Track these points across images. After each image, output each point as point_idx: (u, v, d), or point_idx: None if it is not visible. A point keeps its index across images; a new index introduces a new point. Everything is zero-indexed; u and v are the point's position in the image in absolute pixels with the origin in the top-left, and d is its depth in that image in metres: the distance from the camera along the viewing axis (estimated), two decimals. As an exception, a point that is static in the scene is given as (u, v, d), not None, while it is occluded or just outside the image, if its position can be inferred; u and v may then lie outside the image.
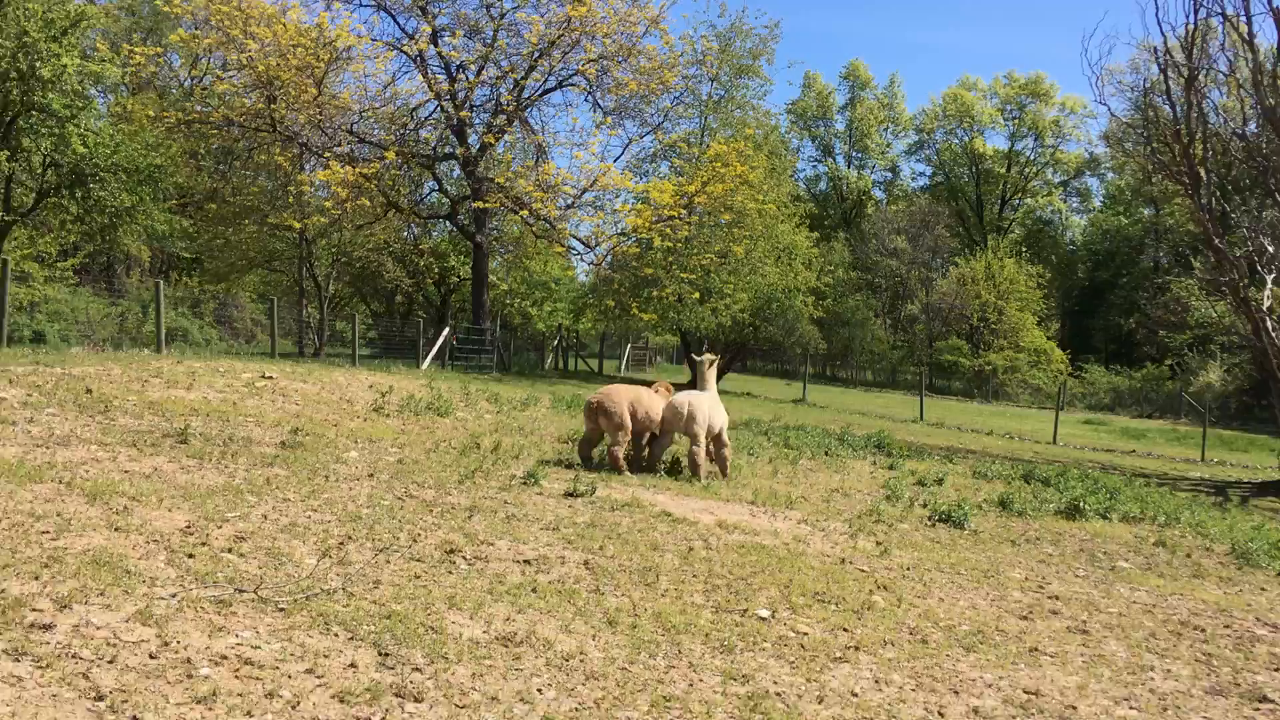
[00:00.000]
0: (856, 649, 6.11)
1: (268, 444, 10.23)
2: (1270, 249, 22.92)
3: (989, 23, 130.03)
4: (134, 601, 5.03)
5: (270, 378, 14.80)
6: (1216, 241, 22.34)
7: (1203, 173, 22.70)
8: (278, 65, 27.16)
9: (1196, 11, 22.31)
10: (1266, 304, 22.28)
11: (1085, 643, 6.92)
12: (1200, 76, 22.93)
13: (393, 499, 8.44)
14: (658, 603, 6.46)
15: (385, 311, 45.82)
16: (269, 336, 46.53)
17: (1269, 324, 21.75)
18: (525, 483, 10.04)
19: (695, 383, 12.99)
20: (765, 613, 6.57)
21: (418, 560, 6.64)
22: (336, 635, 5.02)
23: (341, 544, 6.73)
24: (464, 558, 6.89)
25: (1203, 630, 7.64)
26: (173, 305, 34.56)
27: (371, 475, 9.36)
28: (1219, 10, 22.39)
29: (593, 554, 7.51)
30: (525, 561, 7.02)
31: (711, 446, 12.54)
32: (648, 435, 12.54)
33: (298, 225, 29.95)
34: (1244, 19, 21.91)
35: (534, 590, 6.32)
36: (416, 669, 4.75)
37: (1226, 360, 48.33)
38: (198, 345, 30.57)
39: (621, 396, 12.02)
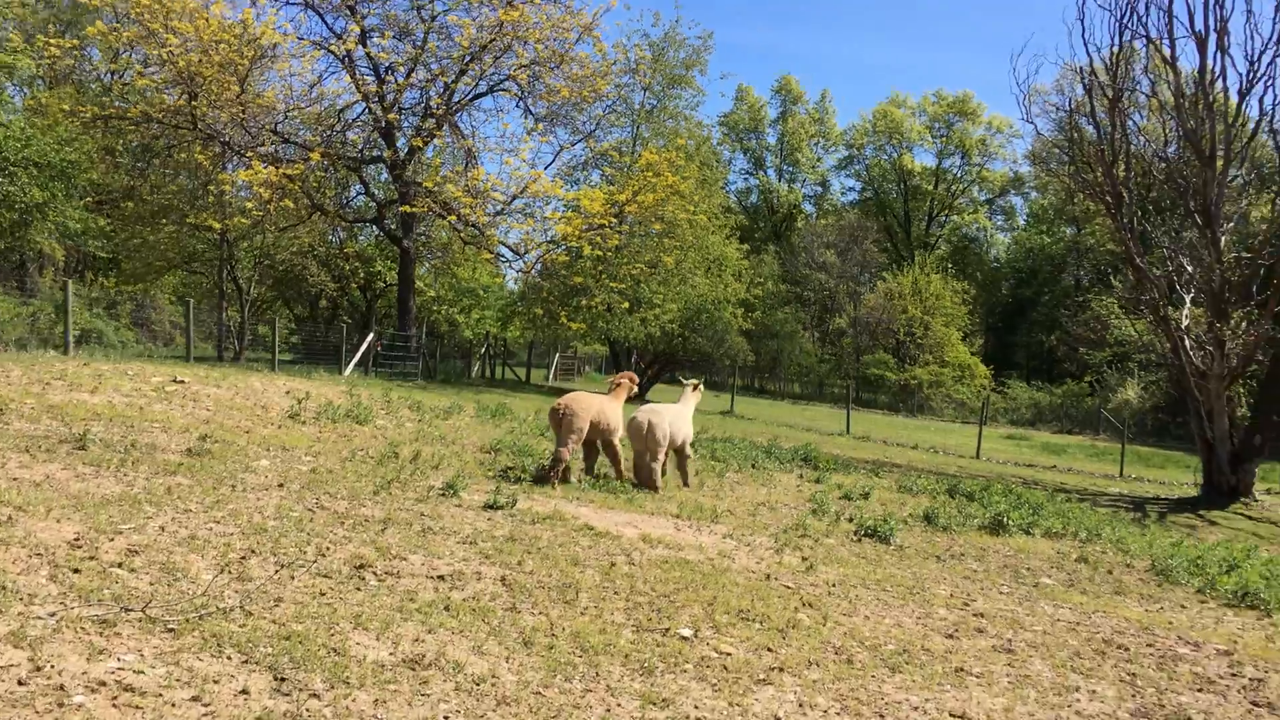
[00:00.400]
0: (781, 670, 5.91)
1: (173, 451, 9.77)
2: (1189, 269, 23.35)
3: (919, 41, 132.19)
4: (6, 621, 4.65)
5: (182, 382, 14.25)
6: (1137, 261, 22.70)
7: (1125, 193, 23.07)
8: (199, 61, 26.42)
9: (1122, 34, 22.70)
10: (1184, 323, 22.69)
11: (1011, 662, 6.81)
12: (1124, 98, 23.32)
13: (302, 510, 8.07)
14: (576, 621, 6.21)
15: (309, 316, 44.93)
16: (185, 338, 45.49)
17: (1186, 343, 22.15)
18: (444, 494, 9.72)
19: (637, 395, 13.31)
20: (688, 632, 6.36)
21: (324, 576, 6.31)
22: (229, 658, 4.68)
23: (243, 558, 6.37)
24: (374, 573, 6.57)
25: (1126, 649, 7.60)
26: (87, 306, 33.44)
27: (282, 485, 8.97)
28: (1143, 33, 22.82)
29: (511, 570, 7.23)
30: (439, 577, 6.73)
31: (676, 457, 13.18)
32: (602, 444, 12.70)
33: (218, 226, 29.15)
34: (1167, 42, 22.34)
35: (446, 608, 6.03)
36: (314, 695, 4.44)
37: (1143, 378, 49.37)
38: (113, 348, 29.59)
39: (586, 405, 12.08)
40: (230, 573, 5.99)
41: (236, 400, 14.01)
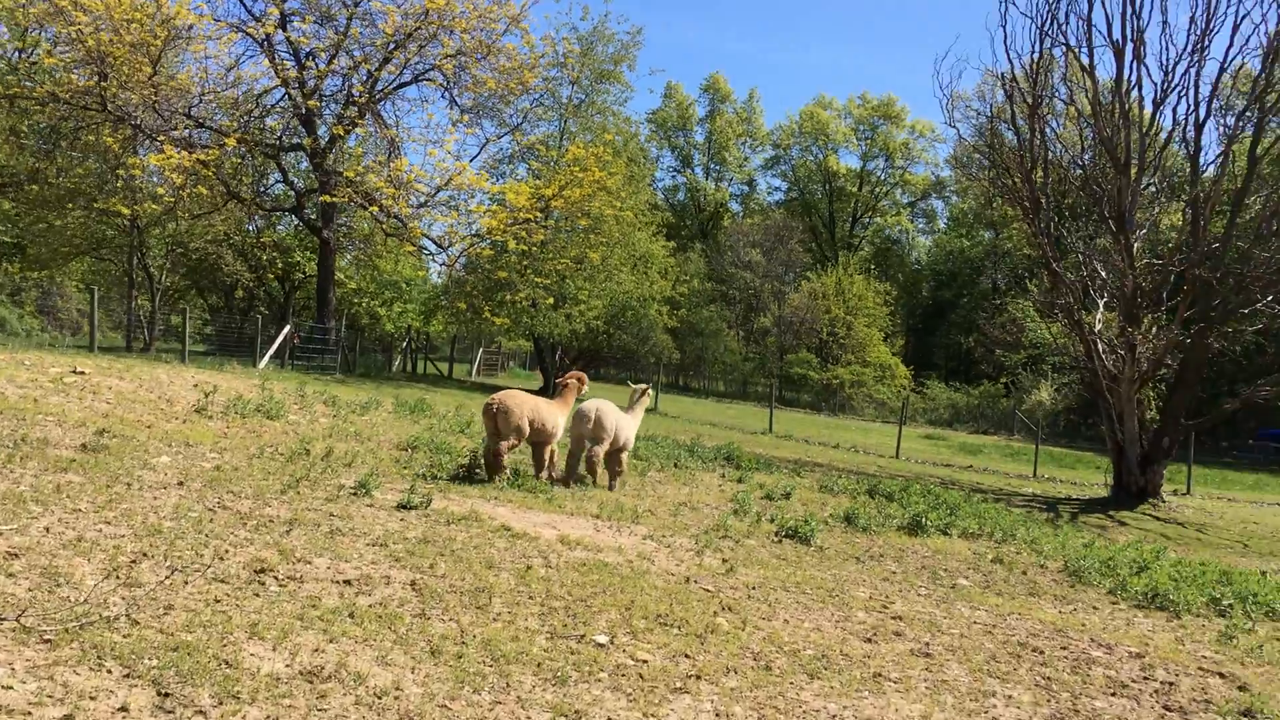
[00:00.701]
0: (698, 678, 5.76)
1: (67, 446, 9.30)
2: (1103, 274, 23.77)
3: (846, 44, 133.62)
4: None
5: (82, 373, 13.66)
6: (1053, 265, 23.07)
7: (1042, 199, 23.43)
8: (111, 41, 25.48)
9: (1042, 41, 23.04)
10: (1097, 327, 23.11)
11: (928, 666, 6.75)
12: (1043, 105, 23.68)
13: (202, 510, 7.71)
14: (488, 628, 5.99)
15: (224, 307, 43.81)
16: (96, 329, 44.03)
17: (1099, 346, 22.55)
18: (355, 493, 9.40)
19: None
20: (604, 639, 6.17)
21: (221, 581, 5.99)
22: (110, 672, 4.38)
23: (134, 563, 6.02)
24: (275, 578, 6.27)
25: (1041, 652, 7.59)
26: (-11, 293, 32.26)
27: (182, 484, 8.57)
28: (1063, 41, 23.17)
29: (422, 573, 6.97)
30: (345, 582, 6.45)
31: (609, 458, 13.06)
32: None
33: (127, 212, 28.17)
34: (1085, 50, 22.72)
35: (351, 615, 5.76)
36: (200, 712, 4.16)
37: (1057, 380, 50.37)
38: (16, 336, 28.52)
39: (520, 402, 11.86)
40: (118, 578, 5.65)
41: (140, 393, 13.46)
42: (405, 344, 41.56)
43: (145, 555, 6.21)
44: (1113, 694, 6.78)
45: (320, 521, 8.01)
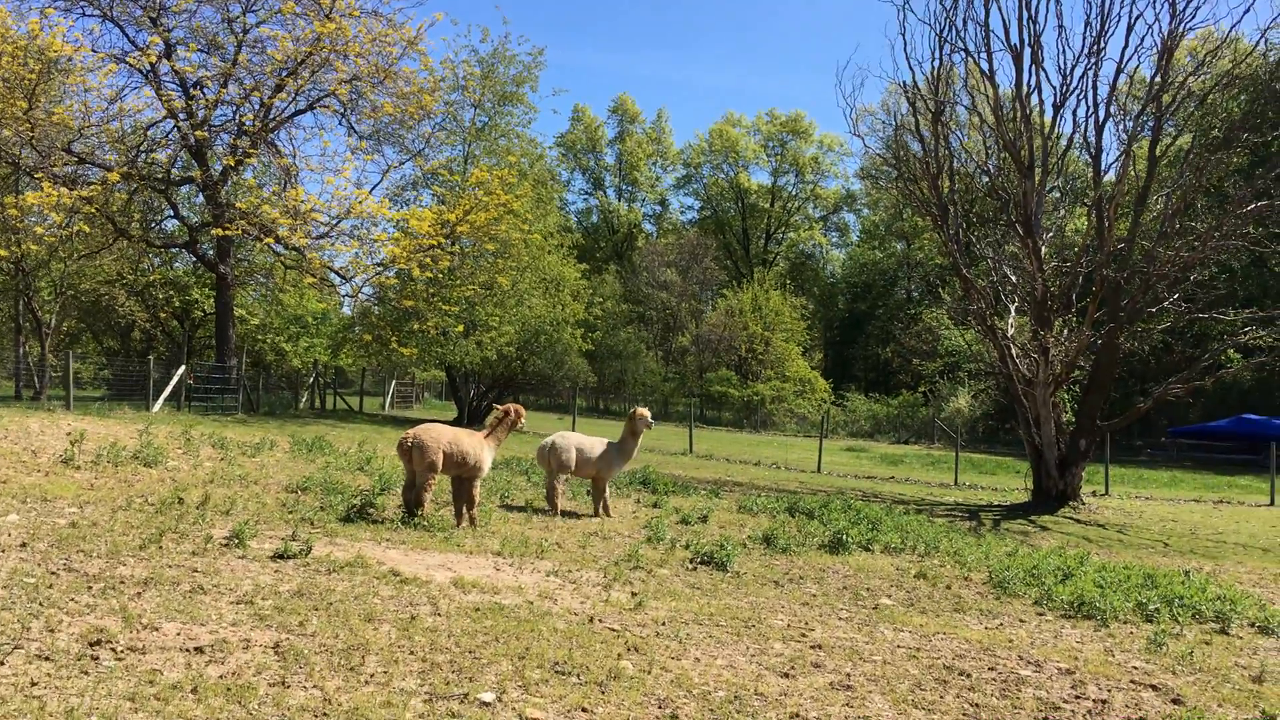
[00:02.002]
0: (594, 735, 5.15)
1: (-104, 510, 8.39)
2: (1013, 279, 23.84)
3: (752, 63, 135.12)
4: None
5: (-61, 427, 12.62)
6: (964, 272, 23.06)
7: (950, 206, 23.44)
8: (-18, 76, 24.22)
9: (942, 48, 23.08)
10: (1010, 332, 23.14)
11: (849, 701, 6.23)
12: (946, 111, 23.72)
13: (43, 574, 6.89)
14: (357, 694, 5.30)
15: (121, 350, 42.10)
16: (-16, 379, 42.00)
17: (1013, 351, 22.55)
18: (227, 544, 8.62)
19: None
20: (489, 696, 5.52)
21: (45, 658, 5.22)
22: None
23: (-59, 644, 5.24)
24: (113, 650, 5.51)
25: (968, 675, 7.13)
26: None
27: (25, 545, 7.72)
28: (962, 47, 23.25)
29: (289, 633, 6.26)
30: (196, 650, 5.71)
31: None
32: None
33: (4, 254, 26.76)
34: (984, 56, 22.78)
35: (194, 691, 5.04)
36: (-26, 834, 3.44)
37: (974, 386, 50.90)
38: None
39: (437, 435, 11.21)
40: (-87, 665, 4.87)
41: (3, 445, 12.46)
42: (313, 380, 40.33)
43: (-43, 634, 5.42)
44: (1045, 718, 6.32)
45: (181, 579, 7.24)
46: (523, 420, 12.49)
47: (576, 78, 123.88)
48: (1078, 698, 6.83)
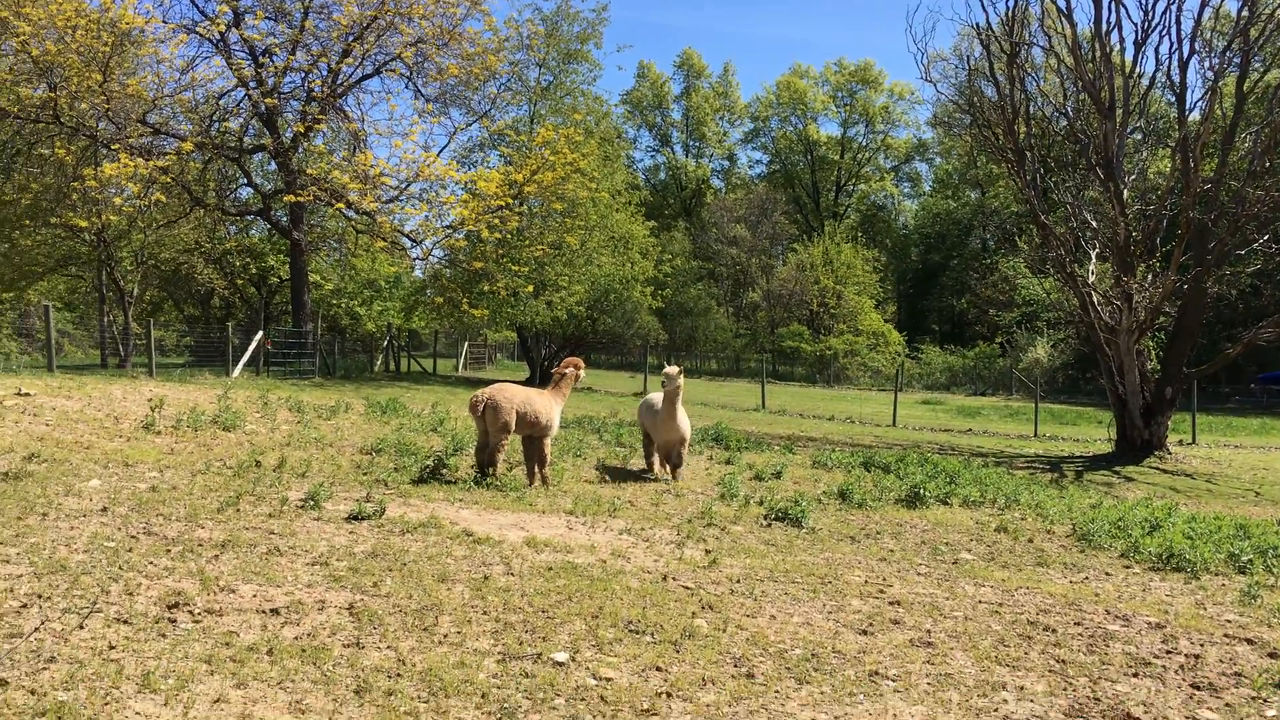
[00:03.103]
0: (669, 695, 5.06)
1: (-15, 476, 8.59)
2: (1093, 224, 23.18)
3: (819, 12, 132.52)
4: None
5: (27, 394, 12.93)
6: (1042, 218, 22.45)
7: (1027, 152, 22.81)
8: (57, 50, 24.61)
9: (1017, -14, 22.34)
10: (1091, 279, 22.51)
11: (930, 659, 6.07)
12: (1021, 52, 23.01)
13: (123, 538, 6.99)
14: (431, 654, 5.29)
15: (201, 317, 42.99)
16: (77, 348, 43.22)
17: (1095, 298, 21.94)
18: (303, 506, 8.69)
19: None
20: (563, 656, 5.47)
21: (124, 621, 5.28)
22: (-50, 753, 3.68)
23: (24, 606, 5.31)
24: (190, 613, 5.56)
25: (1053, 630, 6.92)
26: (-37, 319, 31.48)
27: (106, 509, 7.85)
28: (1038, -16, 22.48)
29: (363, 594, 6.27)
30: (271, 611, 5.74)
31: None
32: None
33: (84, 224, 27.35)
34: (1062, -6, 22.01)
35: (270, 652, 5.06)
36: (54, 796, 3.47)
37: (1052, 336, 49.81)
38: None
39: (510, 396, 11.20)
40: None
41: (86, 412, 12.73)
42: (387, 343, 40.80)
43: (40, 597, 5.50)
44: (1134, 674, 6.11)
45: (258, 541, 7.31)
46: (581, 373, 12.45)
47: (641, 33, 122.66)
48: (1169, 652, 6.61)
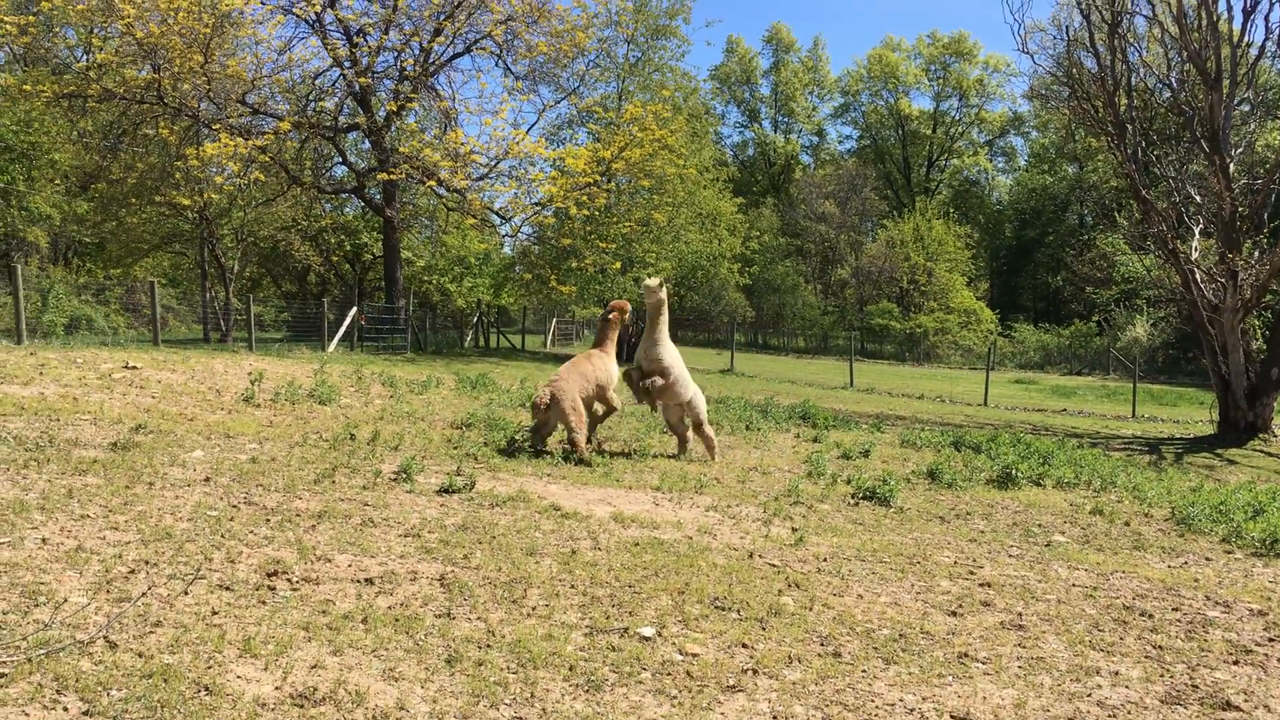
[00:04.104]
0: (755, 672, 5.08)
1: (95, 446, 8.91)
2: (1197, 199, 22.45)
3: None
4: None
5: (134, 368, 13.41)
6: (1143, 193, 21.82)
7: (1128, 125, 22.15)
8: (161, 33, 25.38)
9: (1119, -47, 21.65)
10: (1194, 256, 21.82)
11: (1021, 642, 5.98)
12: (1124, 22, 22.32)
13: (225, 507, 7.23)
14: (520, 626, 5.38)
15: (298, 293, 44.07)
16: (180, 323, 44.67)
17: (1197, 276, 21.28)
18: (396, 479, 8.88)
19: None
20: (649, 631, 5.52)
21: (226, 588, 5.47)
22: (66, 709, 3.85)
23: (131, 573, 5.53)
24: (289, 580, 5.74)
25: (1150, 616, 6.76)
26: (75, 293, 32.66)
27: (209, 479, 8.11)
28: (1142, -49, 21.75)
29: (454, 565, 6.40)
30: (366, 581, 5.89)
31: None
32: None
33: (187, 202, 28.21)
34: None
35: (364, 621, 5.20)
36: (162, 753, 3.62)
37: (1152, 314, 48.44)
38: (103, 334, 28.79)
39: (567, 387, 11.05)
40: (108, 593, 5.16)
41: (190, 385, 13.16)
42: (476, 319, 41.35)
43: (147, 563, 5.72)
44: (1235, 662, 5.95)
45: (352, 513, 7.49)
46: (627, 314, 12.27)
47: (730, 7, 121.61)
48: (1271, 640, 6.42)
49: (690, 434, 12.37)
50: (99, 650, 4.40)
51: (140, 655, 4.40)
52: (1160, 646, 6.12)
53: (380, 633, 5.05)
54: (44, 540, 5.93)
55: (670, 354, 11.77)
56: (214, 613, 5.06)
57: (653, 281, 11.73)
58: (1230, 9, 21.60)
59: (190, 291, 41.94)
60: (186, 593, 5.30)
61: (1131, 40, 23.90)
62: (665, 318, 11.94)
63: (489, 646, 5.03)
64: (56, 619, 4.68)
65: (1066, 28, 27.07)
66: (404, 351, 29.36)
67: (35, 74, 30.63)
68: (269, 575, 5.76)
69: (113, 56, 27.59)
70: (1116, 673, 5.58)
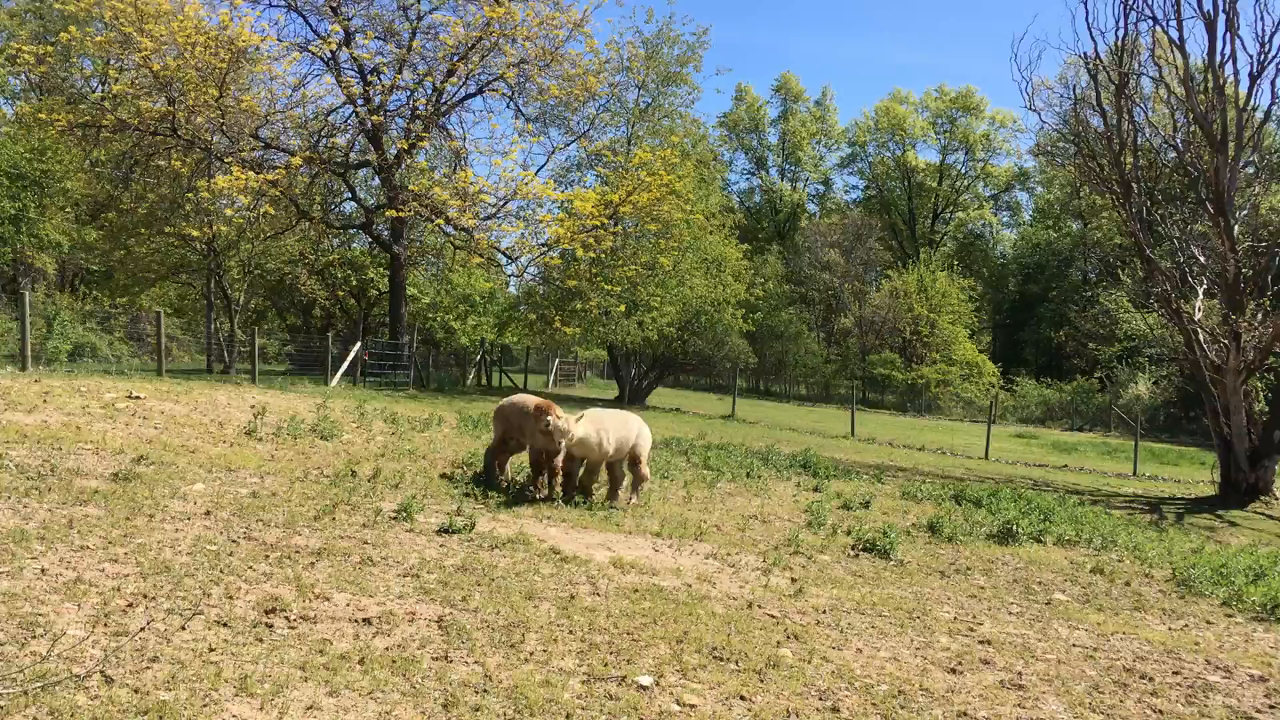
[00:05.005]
0: (752, 726, 5.05)
1: (96, 476, 8.90)
2: (1201, 259, 22.51)
3: (920, 37, 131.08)
4: None
5: (137, 398, 13.41)
6: (1148, 252, 21.90)
7: (1133, 184, 22.28)
8: (177, 66, 25.64)
9: (1127, 16, 21.91)
10: (1198, 315, 21.85)
11: (1021, 702, 5.95)
12: (1130, 82, 22.51)
13: (224, 542, 7.21)
14: (517, 672, 5.35)
15: (303, 326, 44.14)
16: (184, 353, 44.66)
17: (1200, 336, 21.29)
18: (397, 517, 8.86)
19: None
20: (647, 680, 5.49)
21: (223, 624, 5.45)
22: (59, 745, 3.83)
23: (129, 606, 5.51)
24: (286, 619, 5.72)
25: (1150, 679, 6.72)
26: (81, 320, 32.72)
27: (209, 513, 8.10)
28: (1149, 15, 21.97)
29: (452, 607, 6.37)
30: (364, 621, 5.87)
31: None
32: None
33: (197, 234, 28.34)
34: (1173, 24, 21.49)
35: (361, 662, 5.17)
36: (156, 792, 3.59)
37: (1155, 373, 48.36)
38: (106, 362, 28.80)
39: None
40: (106, 626, 5.14)
41: (193, 416, 13.15)
42: (480, 357, 41.35)
43: (145, 597, 5.71)
44: (1238, 729, 5.91)
45: (351, 551, 7.47)
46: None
47: (739, 57, 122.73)
48: (1273, 707, 6.38)
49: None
50: (95, 685, 4.38)
51: (136, 691, 4.38)
52: (1161, 711, 6.09)
53: (377, 674, 5.03)
54: (43, 571, 5.91)
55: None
56: (211, 649, 5.04)
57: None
58: (1237, 73, 21.64)
59: (195, 322, 41.99)
60: (184, 628, 5.28)
61: (1138, 100, 24.10)
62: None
63: (486, 691, 5.01)
64: (54, 652, 4.66)
65: (1073, 86, 27.29)
66: (406, 388, 29.34)
67: (50, 103, 30.91)
68: (267, 613, 5.74)
69: (128, 88, 27.82)
70: (1116, 736, 5.55)
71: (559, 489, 11.17)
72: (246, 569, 6.59)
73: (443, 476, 11.85)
